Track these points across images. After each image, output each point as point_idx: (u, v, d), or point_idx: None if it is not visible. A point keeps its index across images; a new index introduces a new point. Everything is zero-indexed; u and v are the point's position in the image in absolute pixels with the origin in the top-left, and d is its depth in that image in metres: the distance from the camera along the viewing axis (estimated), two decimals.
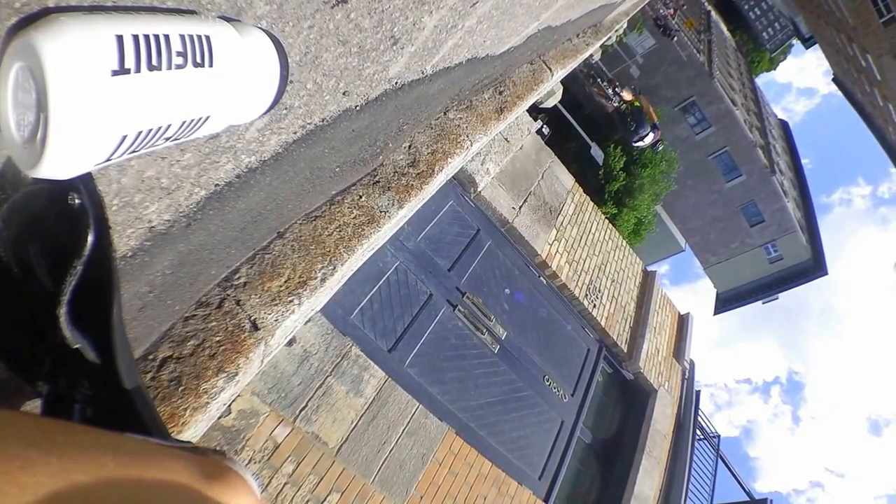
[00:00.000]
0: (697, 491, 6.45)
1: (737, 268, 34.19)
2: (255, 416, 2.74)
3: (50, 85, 0.52)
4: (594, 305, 5.67)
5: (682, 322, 7.25)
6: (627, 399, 6.22)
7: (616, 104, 15.99)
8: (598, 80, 16.05)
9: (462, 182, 4.65)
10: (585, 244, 5.91)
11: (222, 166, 1.07)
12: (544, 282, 5.39)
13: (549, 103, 6.58)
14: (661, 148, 17.15)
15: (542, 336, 5.16)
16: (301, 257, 1.63)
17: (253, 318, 1.48)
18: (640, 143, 14.96)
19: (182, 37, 0.66)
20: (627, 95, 16.24)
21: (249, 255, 1.53)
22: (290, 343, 3.00)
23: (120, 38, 0.58)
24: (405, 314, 3.98)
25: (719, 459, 7.11)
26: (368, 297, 3.76)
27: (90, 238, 0.57)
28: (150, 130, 0.64)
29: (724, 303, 38.19)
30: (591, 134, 16.01)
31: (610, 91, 15.71)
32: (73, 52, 0.54)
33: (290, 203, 1.54)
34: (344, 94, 1.30)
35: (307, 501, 2.85)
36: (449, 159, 2.20)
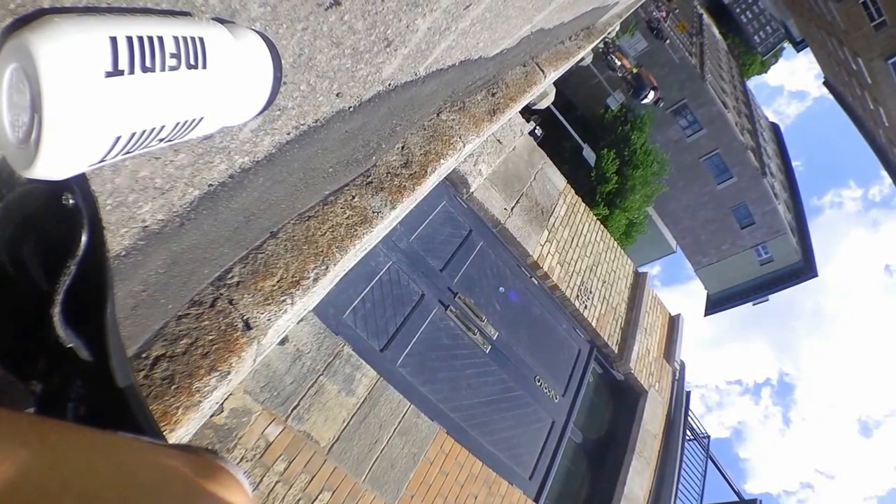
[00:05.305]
0: (687, 491, 6.49)
1: (728, 269, 34.38)
2: (248, 414, 2.74)
3: (44, 86, 0.53)
4: (585, 306, 5.69)
5: (673, 323, 7.29)
6: (618, 399, 6.24)
7: (620, 74, 17.63)
8: (609, 55, 17.01)
9: (455, 183, 4.66)
10: (577, 245, 5.93)
11: (216, 167, 1.07)
12: (536, 282, 5.40)
13: (542, 105, 6.59)
14: (662, 105, 20.26)
15: (534, 337, 5.17)
16: (294, 257, 1.64)
17: (246, 317, 1.48)
18: (645, 101, 16.94)
19: (176, 38, 0.66)
20: (626, 63, 17.89)
21: (242, 255, 1.54)
22: (282, 342, 3.00)
23: (114, 40, 0.58)
24: (397, 314, 3.98)
25: (709, 460, 7.15)
26: (361, 296, 3.76)
27: (84, 238, 0.57)
28: (144, 131, 0.65)
29: (715, 304, 38.39)
30: (583, 135, 16.19)
31: (613, 58, 16.99)
32: (68, 53, 0.54)
33: (283, 203, 1.54)
34: (337, 95, 1.31)
35: (298, 500, 2.85)
36: (441, 160, 2.21)
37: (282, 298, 1.56)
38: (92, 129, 0.58)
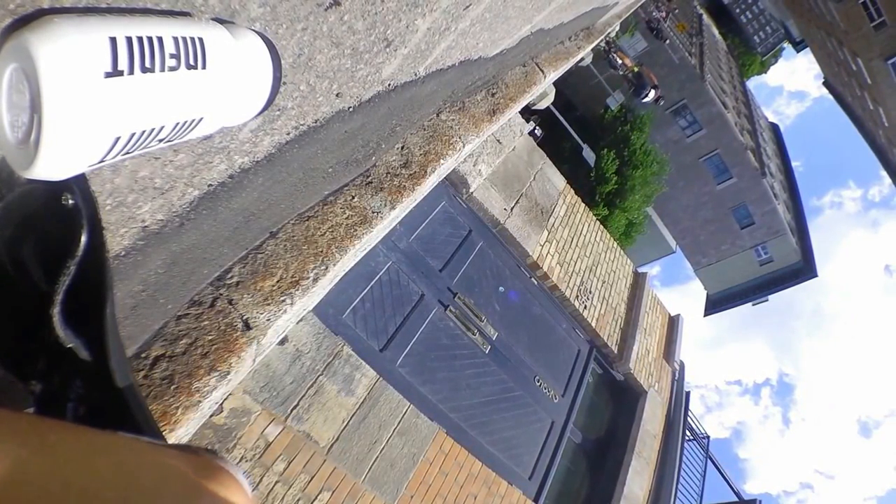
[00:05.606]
0: (687, 491, 6.49)
1: (727, 270, 34.38)
2: (247, 414, 2.74)
3: (43, 87, 0.53)
4: (585, 307, 5.69)
5: (673, 323, 7.29)
6: (617, 400, 6.24)
7: (621, 72, 18.01)
8: (611, 54, 17.18)
9: (454, 183, 4.66)
10: (576, 245, 5.93)
11: (215, 167, 1.07)
12: (535, 283, 5.40)
13: (542, 105, 6.59)
14: (662, 104, 21.07)
15: (533, 337, 5.18)
16: (293, 257, 1.64)
17: (245, 317, 1.48)
18: (645, 99, 17.36)
19: (175, 39, 0.66)
20: (628, 61, 18.24)
21: (242, 255, 1.54)
22: (282, 342, 3.00)
23: (113, 40, 0.58)
24: (397, 314, 3.98)
25: (709, 460, 7.15)
26: (360, 296, 3.76)
27: (83, 238, 0.57)
28: (144, 132, 0.65)
29: (715, 304, 38.40)
30: (583, 136, 16.21)
31: (614, 57, 17.23)
32: (67, 53, 0.54)
33: (282, 203, 1.54)
34: (337, 95, 1.31)
35: (298, 500, 2.85)
36: (441, 160, 2.21)
37: (281, 298, 1.56)
38: (91, 130, 0.58)
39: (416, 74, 1.73)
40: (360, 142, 1.75)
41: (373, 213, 1.89)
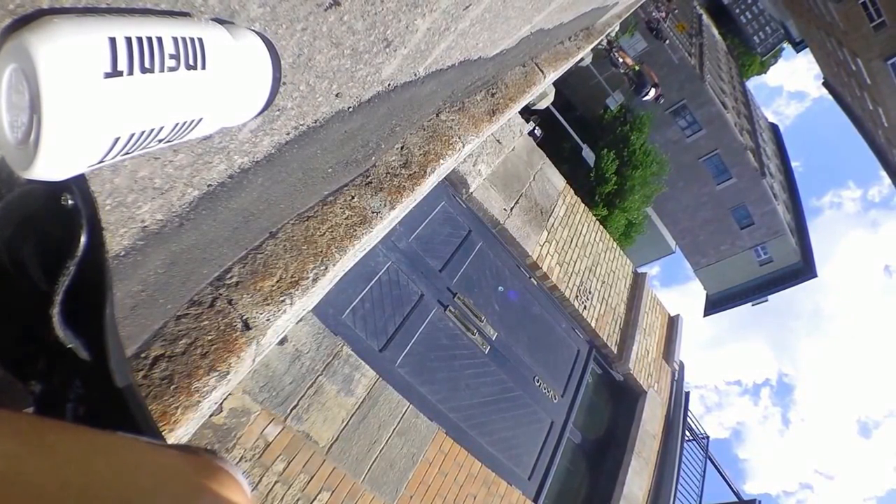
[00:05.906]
0: (686, 492, 6.49)
1: (727, 270, 34.40)
2: (247, 414, 2.74)
3: (43, 87, 0.53)
4: (584, 307, 5.69)
5: (672, 324, 7.29)
6: (617, 400, 6.24)
7: (622, 71, 18.01)
8: (612, 53, 17.24)
9: (454, 183, 4.66)
10: (576, 246, 5.93)
11: (215, 167, 1.07)
12: (535, 283, 5.40)
13: (542, 105, 6.59)
14: (662, 102, 21.47)
15: (533, 337, 5.17)
16: (293, 257, 1.64)
17: (245, 317, 1.48)
18: (646, 98, 17.40)
19: (175, 39, 0.66)
20: (628, 60, 18.23)
21: (242, 255, 1.54)
22: (281, 342, 3.00)
23: (113, 41, 0.58)
24: (396, 314, 3.98)
25: (708, 460, 7.15)
26: (360, 296, 3.76)
27: (83, 238, 0.57)
28: (143, 132, 0.65)
29: (714, 304, 38.42)
30: (582, 136, 16.24)
31: (615, 55, 17.33)
32: (66, 54, 0.54)
33: (282, 203, 1.54)
34: (337, 95, 1.31)
35: (297, 500, 2.85)
36: (441, 160, 2.21)
37: (281, 298, 1.56)
38: (91, 130, 0.58)
39: (415, 75, 1.73)
40: (359, 142, 1.75)
41: (372, 213, 1.89)
